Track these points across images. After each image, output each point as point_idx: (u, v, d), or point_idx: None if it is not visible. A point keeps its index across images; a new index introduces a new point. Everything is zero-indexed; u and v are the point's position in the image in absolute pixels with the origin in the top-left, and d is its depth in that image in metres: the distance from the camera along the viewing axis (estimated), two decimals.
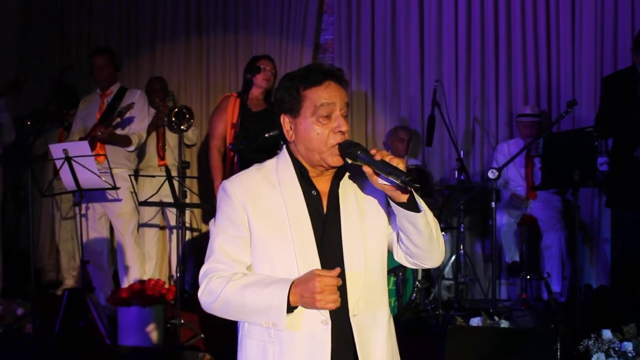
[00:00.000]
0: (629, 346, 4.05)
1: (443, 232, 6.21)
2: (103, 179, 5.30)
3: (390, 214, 2.30)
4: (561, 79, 6.75)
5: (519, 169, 6.52)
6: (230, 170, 5.35)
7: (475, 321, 4.68)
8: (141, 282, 5.17)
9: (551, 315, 5.77)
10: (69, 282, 7.16)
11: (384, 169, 2.10)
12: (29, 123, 6.75)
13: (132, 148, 6.00)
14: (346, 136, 2.25)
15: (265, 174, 2.35)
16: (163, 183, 5.32)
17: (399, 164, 2.10)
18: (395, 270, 5.57)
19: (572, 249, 6.34)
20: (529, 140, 6.33)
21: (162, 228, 6.95)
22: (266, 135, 5.15)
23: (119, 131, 5.94)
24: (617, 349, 4.08)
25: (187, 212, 6.95)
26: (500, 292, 6.71)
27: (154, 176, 6.13)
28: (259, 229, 2.28)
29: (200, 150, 7.64)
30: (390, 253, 2.38)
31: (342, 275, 2.19)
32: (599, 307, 5.46)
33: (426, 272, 6.17)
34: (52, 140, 6.84)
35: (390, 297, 5.49)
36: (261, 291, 2.20)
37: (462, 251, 6.36)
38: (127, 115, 5.84)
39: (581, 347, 4.18)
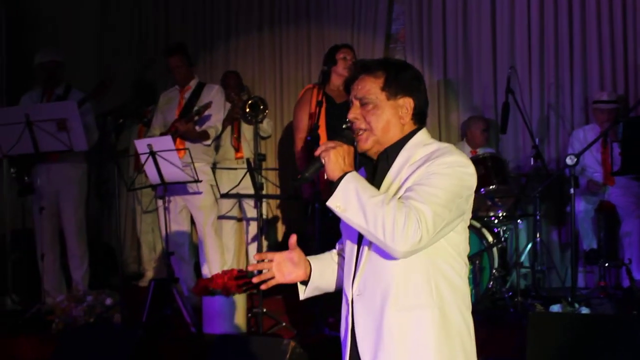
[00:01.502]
0: None
1: (519, 220, 6.25)
2: (186, 172, 5.47)
3: None
4: (638, 62, 6.61)
5: (596, 155, 6.42)
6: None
7: (556, 308, 4.69)
8: (224, 272, 5.31)
9: (631, 303, 5.69)
10: (150, 273, 7.38)
11: None
12: (109, 119, 6.97)
13: (209, 142, 6.14)
14: (356, 124, 2.39)
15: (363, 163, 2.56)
16: (244, 175, 5.45)
17: (325, 154, 2.29)
18: (472, 258, 5.58)
19: None
20: (605, 126, 6.26)
21: (239, 220, 7.10)
22: (344, 127, 5.22)
23: (197, 128, 6.09)
24: None
25: (264, 204, 7.08)
26: (577, 280, 6.64)
27: (235, 169, 6.29)
28: None
29: (277, 142, 7.77)
30: None
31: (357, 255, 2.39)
32: None
33: (502, 260, 6.15)
34: (132, 136, 7.08)
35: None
36: None
37: (538, 239, 6.31)
38: (205, 113, 5.98)
39: None
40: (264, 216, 7.22)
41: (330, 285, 2.59)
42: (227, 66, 7.86)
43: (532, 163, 6.19)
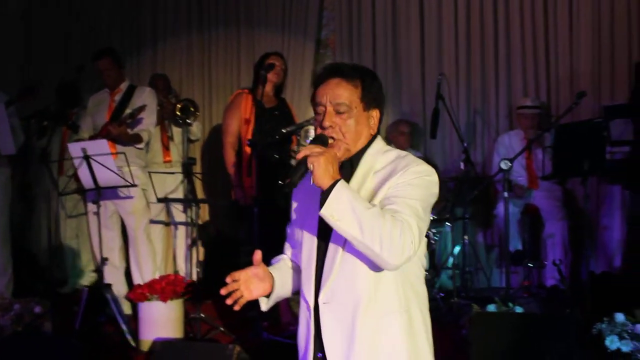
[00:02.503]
0: None
1: (448, 223, 6.38)
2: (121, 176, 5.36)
3: None
4: (559, 72, 6.89)
5: (520, 160, 6.62)
6: (248, 165, 5.45)
7: (492, 308, 4.81)
8: (161, 277, 5.23)
9: (555, 301, 5.93)
10: (75, 280, 7.20)
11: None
12: (33, 122, 6.76)
13: (141, 145, 6.04)
14: (330, 130, 2.35)
15: None
16: (183, 180, 5.38)
17: (315, 160, 2.21)
18: None
19: (574, 238, 6.51)
20: (529, 131, 6.52)
21: (167, 224, 7.00)
22: (283, 131, 5.26)
23: (128, 131, 5.98)
24: (630, 331, 4.21)
25: (193, 208, 7.00)
26: (502, 280, 6.86)
27: (172, 173, 6.21)
28: (294, 221, 2.56)
29: (204, 146, 7.70)
30: None
31: (320, 265, 2.37)
32: (604, 292, 5.62)
33: (431, 262, 6.27)
34: (56, 139, 6.88)
35: None
36: None
37: (467, 241, 6.47)
38: (139, 116, 5.89)
39: (594, 330, 4.32)
40: (190, 220, 7.15)
41: (288, 292, 2.59)
42: (154, 69, 7.77)
43: (462, 167, 6.35)
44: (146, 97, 6.06)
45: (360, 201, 2.20)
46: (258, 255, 2.41)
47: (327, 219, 2.19)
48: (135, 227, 6.05)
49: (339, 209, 2.16)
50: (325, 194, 2.18)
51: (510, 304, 4.97)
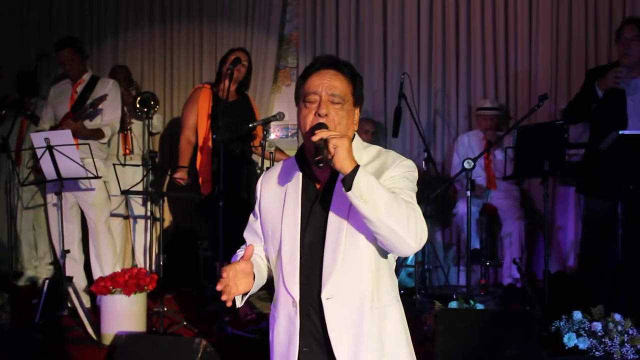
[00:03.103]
0: (598, 326, 4.30)
1: None
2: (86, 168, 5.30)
3: None
4: (518, 74, 7.04)
5: (479, 160, 6.73)
6: (211, 159, 5.45)
7: (454, 305, 4.90)
8: (124, 270, 5.18)
9: (511, 299, 6.05)
10: (30, 272, 7.10)
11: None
12: None
13: (104, 140, 5.96)
14: (325, 119, 2.32)
15: (289, 164, 2.52)
16: (148, 172, 5.34)
17: (339, 143, 2.17)
18: None
19: (530, 237, 6.66)
20: (489, 132, 6.65)
21: (126, 217, 6.94)
22: (250, 125, 5.27)
23: (88, 123, 5.89)
24: (587, 328, 4.33)
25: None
26: (459, 278, 6.99)
27: (137, 165, 6.16)
28: (263, 217, 2.51)
29: (163, 139, 7.64)
30: None
31: (319, 260, 2.33)
32: (560, 291, 5.76)
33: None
34: (13, 129, 6.75)
35: None
36: None
37: None
38: (100, 106, 5.82)
39: (552, 327, 4.43)
40: (149, 214, 7.09)
41: (258, 288, 2.55)
42: (115, 61, 7.66)
43: (423, 166, 6.44)
44: (110, 89, 5.98)
45: (382, 185, 2.21)
46: (250, 250, 2.38)
47: (355, 200, 2.14)
48: (96, 220, 5.98)
49: (367, 190, 2.14)
50: (350, 176, 2.15)
51: (472, 302, 5.07)
